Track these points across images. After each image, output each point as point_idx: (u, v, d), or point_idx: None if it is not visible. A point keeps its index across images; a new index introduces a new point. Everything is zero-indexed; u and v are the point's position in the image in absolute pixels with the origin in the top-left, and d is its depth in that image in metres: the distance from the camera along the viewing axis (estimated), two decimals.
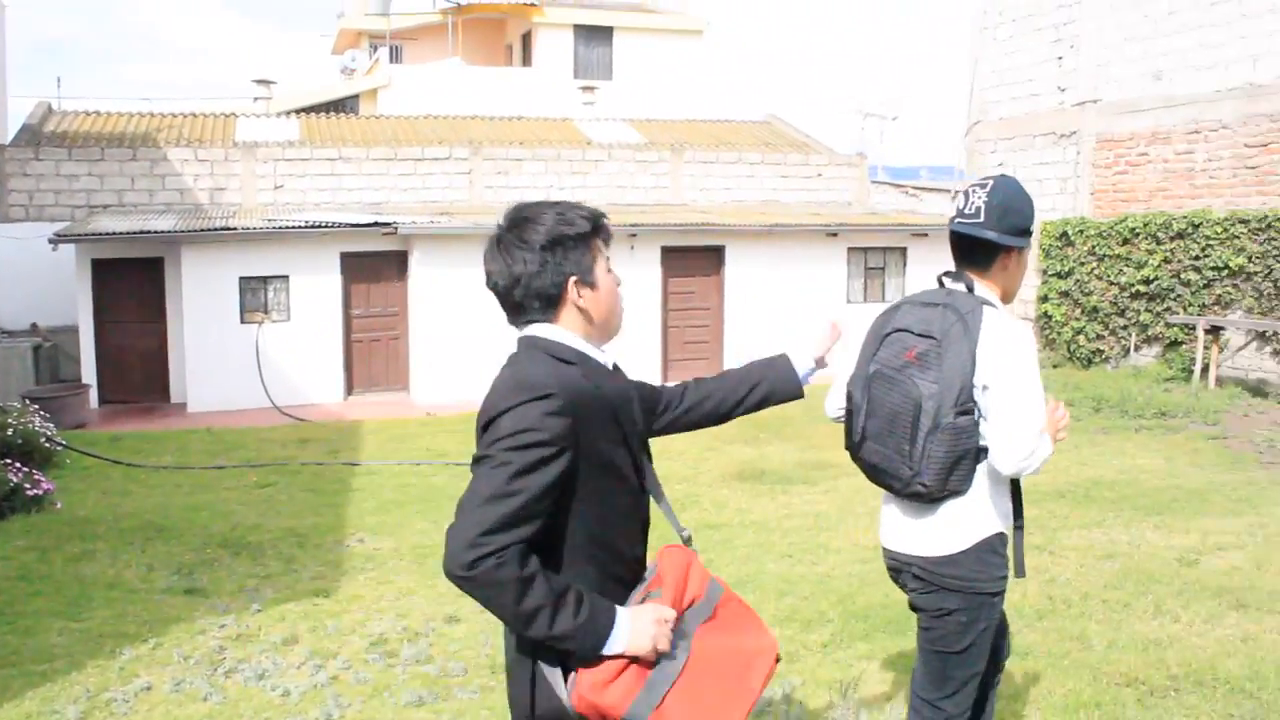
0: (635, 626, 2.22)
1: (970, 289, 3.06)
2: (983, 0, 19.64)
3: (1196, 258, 15.53)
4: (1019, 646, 5.50)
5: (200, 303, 16.27)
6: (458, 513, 2.17)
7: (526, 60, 31.45)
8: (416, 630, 6.03)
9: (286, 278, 16.83)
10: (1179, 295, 15.84)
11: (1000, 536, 3.09)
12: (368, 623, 6.20)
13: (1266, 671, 4.97)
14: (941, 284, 3.17)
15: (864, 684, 5.00)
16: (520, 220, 2.44)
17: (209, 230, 16.01)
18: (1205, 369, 14.94)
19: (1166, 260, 15.98)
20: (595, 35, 30.64)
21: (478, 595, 2.14)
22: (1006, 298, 3.10)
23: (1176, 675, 4.95)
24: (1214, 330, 14.96)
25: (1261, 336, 14.78)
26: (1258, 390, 14.50)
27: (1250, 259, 14.76)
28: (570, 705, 2.22)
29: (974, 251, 3.09)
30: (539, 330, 2.45)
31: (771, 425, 13.33)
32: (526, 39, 31.40)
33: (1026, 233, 3.08)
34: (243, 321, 16.59)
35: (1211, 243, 15.27)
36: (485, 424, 2.29)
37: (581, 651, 2.20)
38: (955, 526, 3.04)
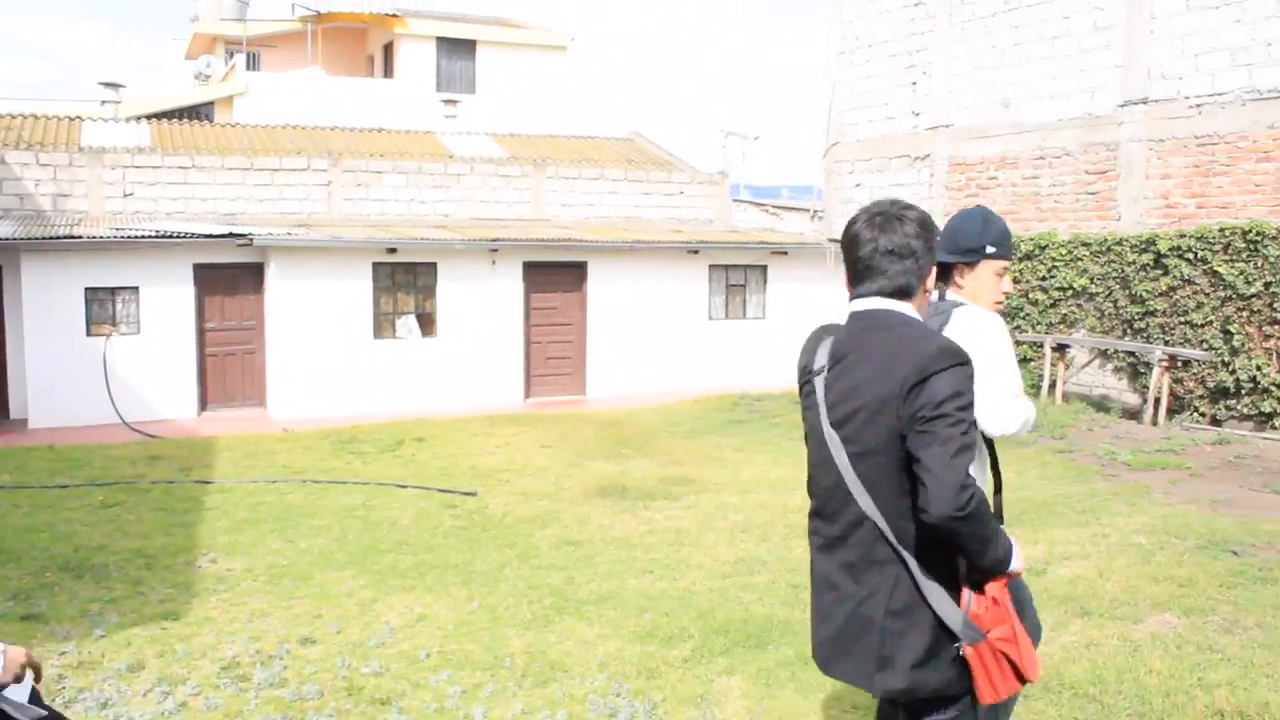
0: (1018, 550, 2.82)
1: (942, 296, 3.57)
2: (839, 26, 20.09)
3: (1043, 278, 16.12)
4: None
5: (42, 314, 15.57)
6: (937, 467, 2.56)
7: (389, 71, 31.03)
8: (270, 653, 5.83)
9: (136, 289, 16.24)
10: (1028, 314, 16.42)
11: None
12: (219, 646, 5.98)
13: (1108, 676, 5.15)
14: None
15: (725, 700, 5.01)
16: (904, 208, 2.88)
17: (51, 238, 15.32)
18: (1053, 385, 15.51)
19: (1016, 280, 16.54)
20: (458, 48, 30.41)
21: (967, 530, 2.59)
22: (977, 302, 3.52)
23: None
24: (1060, 348, 15.54)
25: (1103, 354, 15.40)
26: (1100, 405, 15.10)
27: (1092, 280, 15.39)
28: (968, 615, 2.71)
29: (941, 269, 3.51)
30: (902, 307, 2.85)
31: (633, 441, 13.37)
32: (389, 50, 30.98)
33: (974, 250, 3.52)
34: (89, 334, 15.94)
35: (1057, 264, 15.88)
36: (915, 384, 2.62)
37: (1000, 568, 2.74)
38: None
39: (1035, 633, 3.65)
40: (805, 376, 2.91)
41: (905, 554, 2.70)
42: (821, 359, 2.86)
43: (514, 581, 7.15)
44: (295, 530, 8.81)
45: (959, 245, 3.53)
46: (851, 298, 2.89)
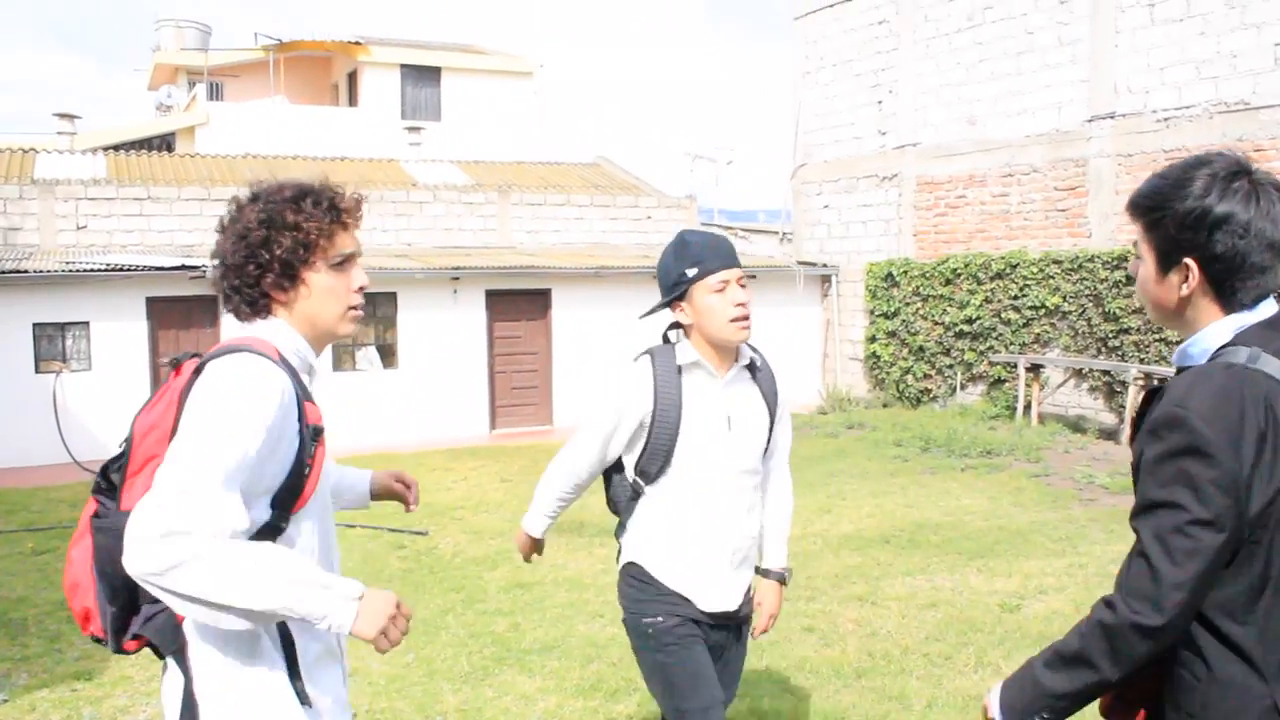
0: None
1: (666, 340, 3.30)
2: (804, 45, 19.87)
3: (1015, 297, 15.85)
4: (835, 708, 5.21)
5: None
6: None
7: (353, 100, 30.69)
8: None
9: (86, 324, 15.75)
10: (1000, 334, 16.14)
11: (634, 566, 3.24)
12: (130, 709, 5.55)
13: None
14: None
15: None
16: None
17: None
18: (1028, 406, 15.21)
19: (987, 300, 16.27)
20: (423, 75, 30.10)
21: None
22: (706, 338, 3.18)
23: None
24: (1034, 368, 15.25)
25: (1078, 374, 15.11)
26: (1076, 426, 14.80)
27: (1065, 298, 15.12)
28: None
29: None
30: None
31: None
32: (353, 78, 30.65)
33: (677, 284, 3.15)
34: (38, 371, 15.44)
35: (1029, 283, 15.61)
36: None
37: None
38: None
39: None
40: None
41: None
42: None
43: (456, 630, 6.73)
44: None
45: (663, 286, 3.22)
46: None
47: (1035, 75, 15.74)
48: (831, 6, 19.21)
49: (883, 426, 15.48)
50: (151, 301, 16.13)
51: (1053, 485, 11.27)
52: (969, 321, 16.55)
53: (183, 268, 15.79)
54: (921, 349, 17.51)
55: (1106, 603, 1.88)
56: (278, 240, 2.24)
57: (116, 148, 25.16)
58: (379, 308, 16.94)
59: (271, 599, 1.90)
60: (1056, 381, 15.54)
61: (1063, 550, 8.44)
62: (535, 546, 3.47)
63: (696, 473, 3.14)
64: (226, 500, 1.94)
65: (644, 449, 3.15)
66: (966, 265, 16.56)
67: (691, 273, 3.11)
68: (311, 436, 2.18)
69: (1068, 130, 15.32)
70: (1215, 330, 1.94)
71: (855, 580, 7.64)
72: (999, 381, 16.27)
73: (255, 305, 2.28)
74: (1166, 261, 1.97)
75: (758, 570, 3.42)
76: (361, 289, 2.38)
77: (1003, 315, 16.07)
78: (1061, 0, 15.30)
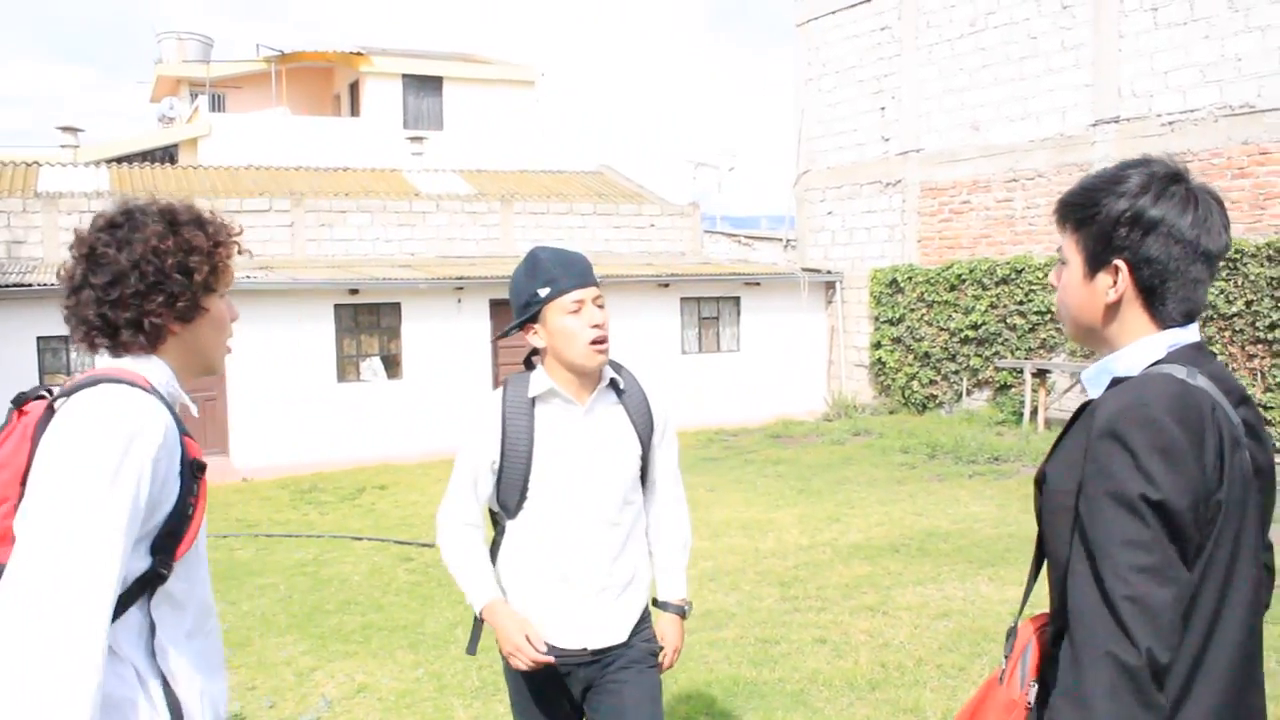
0: None
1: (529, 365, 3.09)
2: (806, 52, 19.85)
3: (1021, 302, 15.81)
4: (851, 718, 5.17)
5: None
6: None
7: (355, 110, 30.69)
8: None
9: None
10: (1006, 339, 16.10)
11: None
12: None
13: None
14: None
15: None
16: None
17: (2, 286, 14.86)
18: (1035, 411, 15.16)
19: (993, 305, 16.23)
20: (425, 85, 30.09)
21: None
22: (563, 363, 2.97)
23: None
24: (1040, 373, 15.20)
25: None
26: None
27: None
28: None
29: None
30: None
31: None
32: (354, 88, 30.66)
33: (529, 304, 2.94)
34: (42, 384, 15.42)
35: (1034, 287, 15.57)
36: None
37: None
38: None
39: None
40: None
41: None
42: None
43: (464, 643, 6.68)
44: (239, 591, 8.33)
45: (515, 307, 3.00)
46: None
47: (1039, 80, 15.71)
48: (834, 13, 19.20)
49: (889, 433, 15.44)
50: None
51: None
52: (974, 327, 16.51)
53: None
54: (927, 355, 17.47)
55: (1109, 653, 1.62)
56: (192, 266, 2.05)
57: (119, 160, 25.17)
58: (383, 318, 16.92)
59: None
60: (1063, 387, 15.49)
61: None
62: (520, 626, 2.93)
63: (557, 508, 2.97)
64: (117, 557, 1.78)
65: (498, 483, 3.02)
66: (971, 271, 16.53)
67: (544, 292, 2.90)
68: (193, 474, 1.98)
69: (1072, 135, 15.29)
70: (1146, 345, 1.80)
71: (866, 590, 7.59)
72: (1005, 387, 16.22)
73: (153, 338, 2.04)
74: (1095, 262, 1.82)
75: (655, 603, 3.21)
76: (235, 319, 2.23)
77: (1008, 320, 16.02)
78: (1064, 5, 15.28)
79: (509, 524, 3.05)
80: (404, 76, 29.89)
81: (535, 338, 2.97)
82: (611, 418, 3.06)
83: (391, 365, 17.01)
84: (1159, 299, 1.79)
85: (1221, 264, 9.59)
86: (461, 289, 17.12)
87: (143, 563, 1.90)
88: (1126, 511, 1.63)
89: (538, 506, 2.98)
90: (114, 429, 1.84)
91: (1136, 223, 1.77)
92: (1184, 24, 13.92)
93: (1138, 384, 1.71)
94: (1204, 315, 13.14)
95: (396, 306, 16.94)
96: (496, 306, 17.57)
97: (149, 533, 1.89)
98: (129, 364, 2.03)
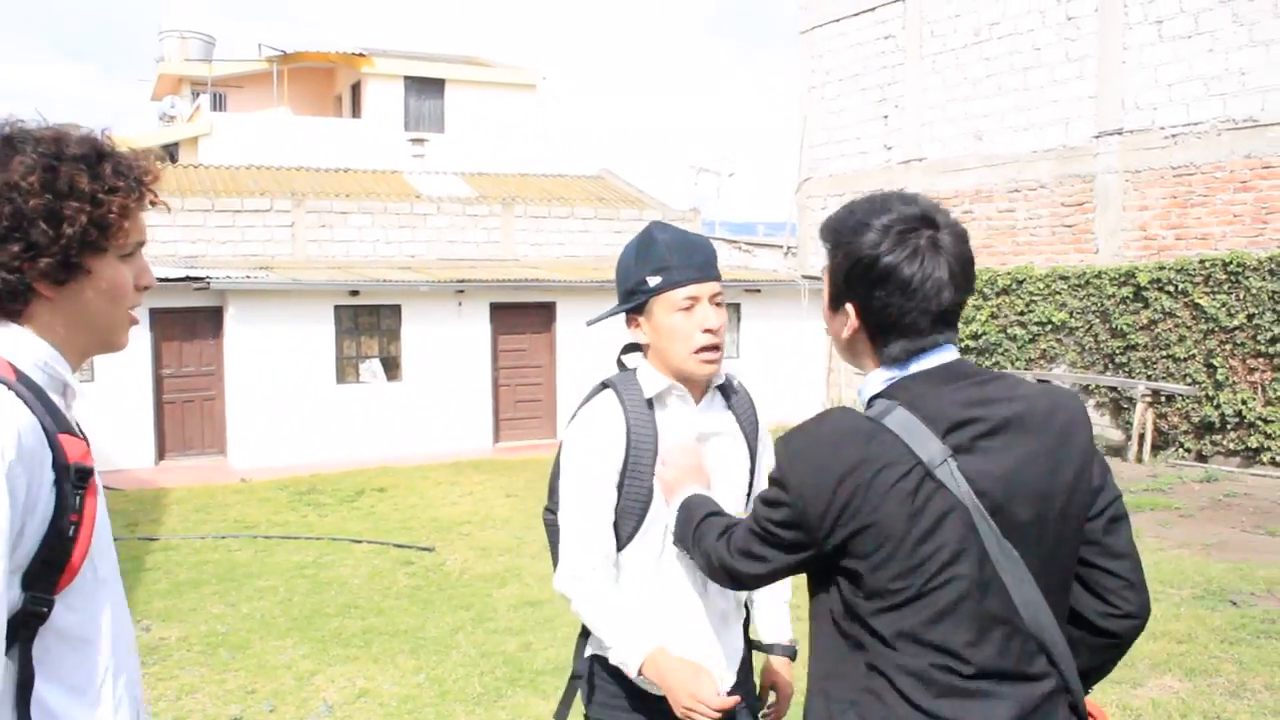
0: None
1: (620, 365, 2.69)
2: (810, 59, 19.85)
3: (1021, 313, 15.80)
4: None
5: None
6: (1139, 564, 1.92)
7: (356, 111, 30.68)
8: None
9: None
10: (1006, 350, 16.09)
11: (603, 660, 2.51)
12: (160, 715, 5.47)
13: None
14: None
15: None
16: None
17: None
18: None
19: (993, 315, 16.22)
20: (427, 87, 30.09)
21: None
22: (661, 361, 2.52)
23: None
24: (1041, 384, 15.17)
25: (1084, 389, 15.05)
26: None
27: (1071, 314, 15.07)
28: None
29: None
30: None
31: None
32: (356, 90, 30.64)
33: (634, 291, 2.49)
34: None
35: (1035, 298, 15.56)
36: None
37: None
38: None
39: None
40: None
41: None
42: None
43: (466, 649, 6.66)
44: (239, 592, 8.29)
45: (620, 291, 2.56)
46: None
47: (1042, 91, 15.72)
48: (838, 21, 19.20)
49: None
50: (155, 313, 16.08)
51: None
52: (974, 337, 16.50)
53: (187, 279, 15.75)
54: None
55: (727, 536, 2.04)
56: (66, 214, 1.60)
57: None
58: (383, 319, 16.89)
59: None
60: None
61: None
62: (695, 673, 2.30)
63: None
64: None
65: (616, 505, 2.48)
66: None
67: (653, 282, 2.44)
68: (75, 483, 1.57)
69: (1075, 146, 15.29)
70: (872, 379, 1.89)
71: None
72: None
73: (12, 301, 1.62)
74: (835, 300, 1.92)
75: (759, 646, 2.72)
76: (147, 287, 1.77)
77: (1009, 331, 16.02)
78: (1069, 16, 15.28)
79: (618, 558, 2.51)
80: (406, 78, 29.89)
81: (638, 332, 2.54)
82: (722, 422, 2.62)
83: (391, 367, 16.98)
84: (883, 342, 1.86)
85: (1223, 277, 9.48)
86: (462, 292, 17.09)
87: (16, 597, 1.52)
88: (762, 500, 1.91)
89: (656, 530, 2.46)
90: None
91: (868, 272, 1.83)
92: (1188, 37, 13.93)
93: (813, 420, 1.88)
94: (1206, 328, 13.11)
95: (397, 308, 16.91)
96: (497, 310, 17.54)
97: (19, 564, 1.51)
98: None
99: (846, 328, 1.89)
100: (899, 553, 1.72)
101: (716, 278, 2.52)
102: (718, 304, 2.50)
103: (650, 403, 2.51)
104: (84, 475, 1.59)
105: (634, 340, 2.58)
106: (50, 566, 1.54)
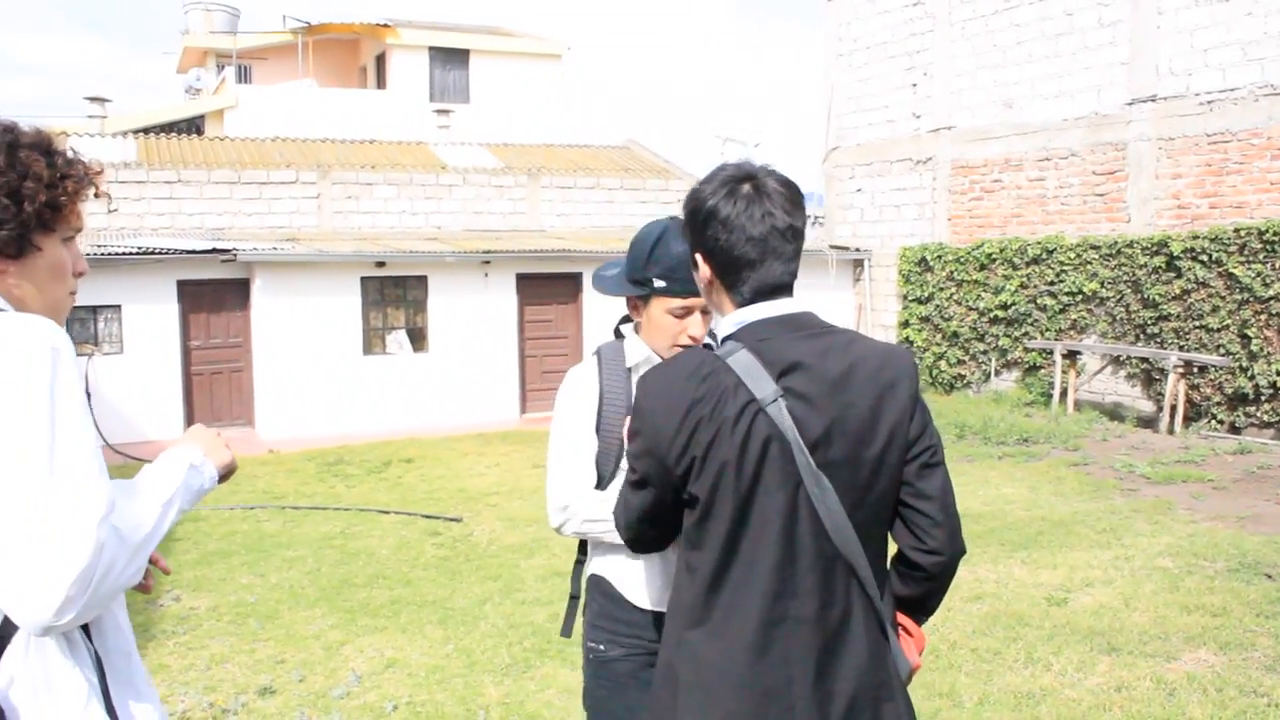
0: None
1: (618, 334, 2.97)
2: (837, 27, 19.64)
3: (1051, 283, 15.64)
4: None
5: None
6: (950, 508, 2.16)
7: (381, 83, 30.62)
8: (224, 706, 5.35)
9: (118, 307, 15.76)
10: (1036, 320, 15.94)
11: (599, 579, 2.84)
12: (169, 699, 5.49)
13: None
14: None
15: None
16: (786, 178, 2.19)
17: None
18: (1064, 393, 15.02)
19: (1023, 285, 16.07)
20: (452, 58, 29.98)
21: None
22: (647, 339, 2.80)
23: None
24: (1070, 355, 15.05)
25: (1115, 360, 14.90)
26: (1114, 414, 14.60)
27: (1102, 284, 14.90)
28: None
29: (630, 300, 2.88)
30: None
31: None
32: (381, 61, 30.57)
33: (640, 281, 2.71)
34: None
35: (1065, 268, 15.39)
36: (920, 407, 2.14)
37: None
38: None
39: None
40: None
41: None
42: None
43: (494, 620, 6.66)
44: (267, 563, 8.32)
45: (629, 269, 2.77)
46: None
47: (1074, 57, 15.49)
48: None
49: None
50: (183, 284, 16.13)
51: (1093, 475, 11.10)
52: (1004, 307, 16.35)
53: (214, 251, 15.78)
54: (955, 334, 17.32)
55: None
56: (26, 192, 1.74)
57: (146, 131, 25.19)
58: (409, 291, 16.88)
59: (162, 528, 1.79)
60: (1093, 368, 15.32)
61: (1107, 542, 8.28)
62: None
63: None
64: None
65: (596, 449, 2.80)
66: (1002, 250, 16.35)
67: (659, 284, 2.66)
68: None
69: (1107, 113, 15.07)
70: (724, 322, 2.12)
71: None
72: (1034, 368, 16.07)
73: None
74: (692, 250, 2.16)
75: None
76: (81, 274, 1.91)
77: (1039, 301, 15.86)
78: None
79: (603, 494, 2.78)
80: (430, 49, 29.79)
81: (634, 312, 2.81)
82: None
83: (418, 338, 16.98)
84: (729, 283, 2.09)
85: (1259, 246, 9.34)
86: (488, 262, 17.05)
87: None
88: (627, 435, 2.21)
89: None
90: None
91: (707, 220, 2.08)
92: (1226, 0, 13.67)
93: (674, 356, 2.20)
94: (1240, 298, 12.92)
95: (423, 279, 16.89)
96: (523, 280, 17.50)
97: None
98: None
99: (702, 278, 2.14)
100: (726, 477, 1.97)
101: None
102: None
103: (629, 371, 2.83)
104: None
105: (629, 317, 2.90)
106: None
